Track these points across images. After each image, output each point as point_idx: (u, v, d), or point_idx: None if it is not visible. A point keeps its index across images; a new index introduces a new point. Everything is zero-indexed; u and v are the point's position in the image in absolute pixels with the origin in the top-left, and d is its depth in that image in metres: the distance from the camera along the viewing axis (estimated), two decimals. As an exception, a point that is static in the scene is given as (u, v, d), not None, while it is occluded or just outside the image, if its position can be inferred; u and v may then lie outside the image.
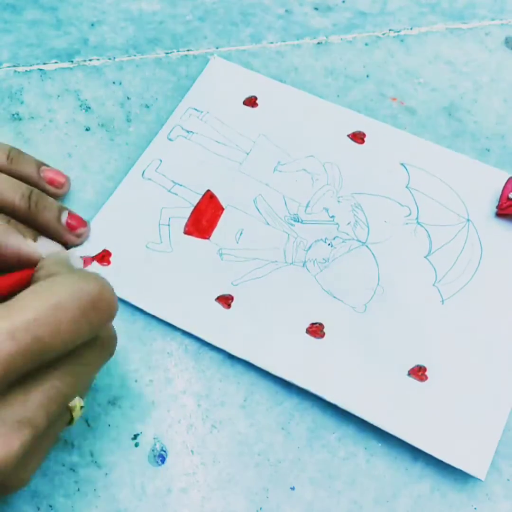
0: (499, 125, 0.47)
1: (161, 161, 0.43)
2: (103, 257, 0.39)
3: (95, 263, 0.39)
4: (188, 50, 0.48)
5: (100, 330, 0.29)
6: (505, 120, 0.47)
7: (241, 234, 0.40)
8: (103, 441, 0.36)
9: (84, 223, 0.39)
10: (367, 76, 0.48)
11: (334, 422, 0.37)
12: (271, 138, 0.44)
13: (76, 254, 0.36)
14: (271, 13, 0.51)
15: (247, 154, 0.43)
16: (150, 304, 0.38)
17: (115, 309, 0.29)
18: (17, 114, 0.45)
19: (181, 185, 0.42)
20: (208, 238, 0.40)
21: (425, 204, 0.42)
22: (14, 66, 0.47)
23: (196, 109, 0.44)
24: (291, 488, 0.35)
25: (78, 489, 0.35)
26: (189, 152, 0.43)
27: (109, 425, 0.36)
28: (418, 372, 0.37)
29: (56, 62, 0.47)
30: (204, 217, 0.41)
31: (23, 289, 0.27)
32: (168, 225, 0.40)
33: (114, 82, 0.47)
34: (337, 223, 0.41)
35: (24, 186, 0.38)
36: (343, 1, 0.52)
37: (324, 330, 0.38)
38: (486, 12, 0.52)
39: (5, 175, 0.38)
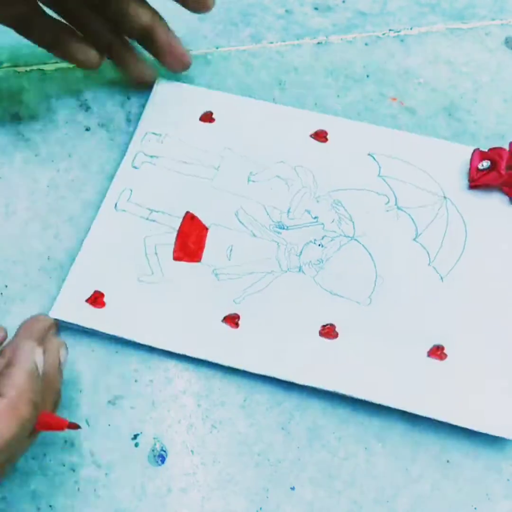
0: (499, 125, 0.47)
1: (131, 190, 0.42)
2: (96, 299, 0.38)
3: (88, 306, 0.38)
4: (188, 50, 0.48)
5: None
6: (505, 120, 0.47)
7: (231, 250, 0.40)
8: (103, 441, 0.36)
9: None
10: (367, 76, 0.48)
11: (334, 422, 0.37)
12: (236, 150, 0.43)
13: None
14: (271, 13, 0.51)
15: (217, 169, 0.43)
16: (156, 339, 0.38)
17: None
18: (17, 114, 0.45)
19: (158, 212, 0.41)
20: (199, 261, 0.40)
21: (401, 189, 0.42)
22: (14, 66, 0.47)
23: (154, 133, 0.44)
24: (291, 488, 0.35)
25: (78, 489, 0.35)
26: (157, 177, 0.42)
27: (109, 425, 0.36)
28: (437, 352, 0.37)
29: (56, 62, 0.47)
30: (190, 240, 0.40)
31: None
32: (155, 253, 0.40)
33: (114, 82, 0.47)
34: (322, 223, 0.41)
35: None
36: (343, 1, 0.52)
37: (336, 330, 0.38)
38: (486, 12, 0.52)
39: None
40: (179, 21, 0.50)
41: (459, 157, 0.43)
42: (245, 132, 0.44)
